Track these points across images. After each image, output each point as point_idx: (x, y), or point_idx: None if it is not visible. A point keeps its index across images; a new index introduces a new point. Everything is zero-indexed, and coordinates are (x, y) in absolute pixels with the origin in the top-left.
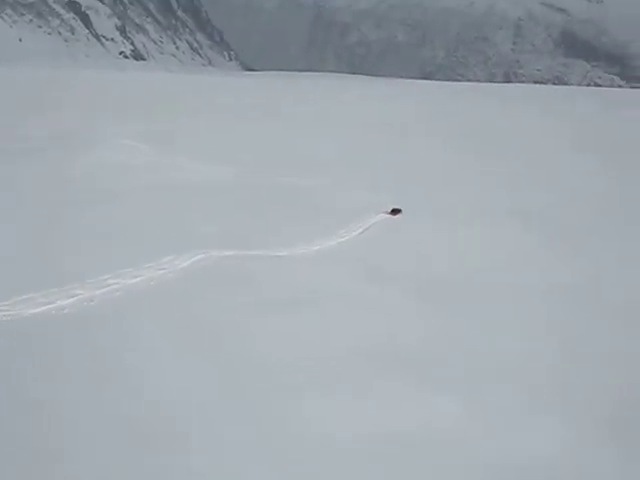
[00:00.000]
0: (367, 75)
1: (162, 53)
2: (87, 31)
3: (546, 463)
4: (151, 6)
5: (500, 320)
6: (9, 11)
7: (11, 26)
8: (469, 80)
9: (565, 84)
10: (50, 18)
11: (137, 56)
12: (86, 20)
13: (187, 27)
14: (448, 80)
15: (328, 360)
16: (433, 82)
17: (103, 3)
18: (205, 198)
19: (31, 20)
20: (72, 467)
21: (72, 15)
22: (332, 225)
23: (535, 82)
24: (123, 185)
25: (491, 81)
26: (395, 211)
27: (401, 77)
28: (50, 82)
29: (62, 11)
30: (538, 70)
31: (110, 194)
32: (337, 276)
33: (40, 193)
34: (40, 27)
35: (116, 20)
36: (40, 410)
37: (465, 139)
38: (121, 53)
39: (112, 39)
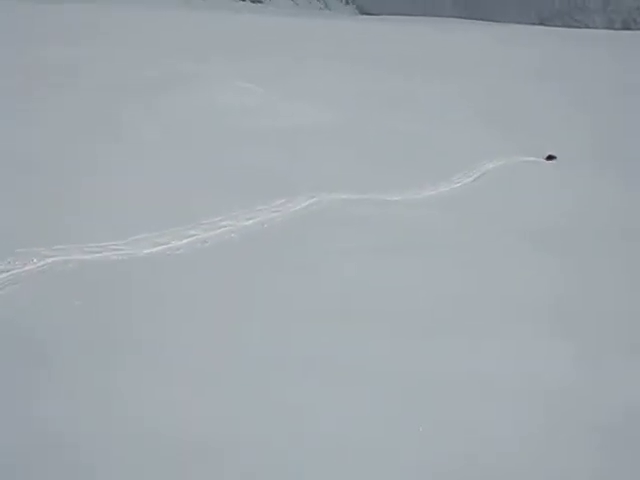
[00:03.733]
0: (484, 20)
1: None
2: None
3: None
4: None
5: (613, 269)
6: None
7: None
8: (587, 26)
9: None
10: None
11: None
12: None
13: None
14: (565, 26)
15: (432, 309)
16: (550, 28)
17: None
18: (318, 141)
19: None
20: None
21: None
22: (446, 170)
23: None
24: (235, 127)
25: (610, 28)
26: (550, 157)
27: (518, 22)
28: (163, 23)
29: None
30: None
31: (223, 137)
32: (448, 223)
33: (156, 135)
34: None
35: None
36: (145, 348)
37: (582, 85)
38: None
39: None
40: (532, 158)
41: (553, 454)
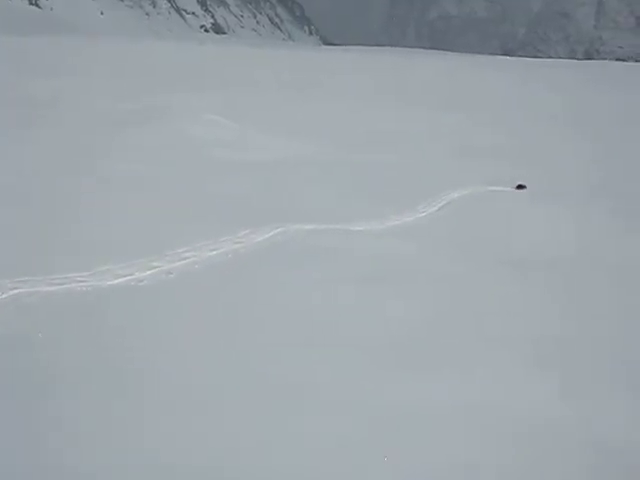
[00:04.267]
0: (447, 51)
1: (242, 27)
2: (168, 5)
3: None
4: None
5: (589, 300)
6: None
7: None
8: (550, 57)
9: None
10: None
11: (218, 30)
12: None
13: (268, 1)
14: (529, 57)
15: (411, 338)
16: (513, 58)
17: None
18: (286, 173)
19: None
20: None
21: None
22: (410, 201)
23: (617, 59)
24: (203, 160)
25: (572, 58)
26: (520, 187)
27: (481, 53)
28: (130, 54)
29: None
30: (620, 47)
31: (187, 169)
32: (413, 252)
33: (125, 168)
34: (122, 0)
35: None
36: (120, 379)
37: (551, 118)
38: (202, 27)
39: (193, 13)
40: (498, 188)
41: None
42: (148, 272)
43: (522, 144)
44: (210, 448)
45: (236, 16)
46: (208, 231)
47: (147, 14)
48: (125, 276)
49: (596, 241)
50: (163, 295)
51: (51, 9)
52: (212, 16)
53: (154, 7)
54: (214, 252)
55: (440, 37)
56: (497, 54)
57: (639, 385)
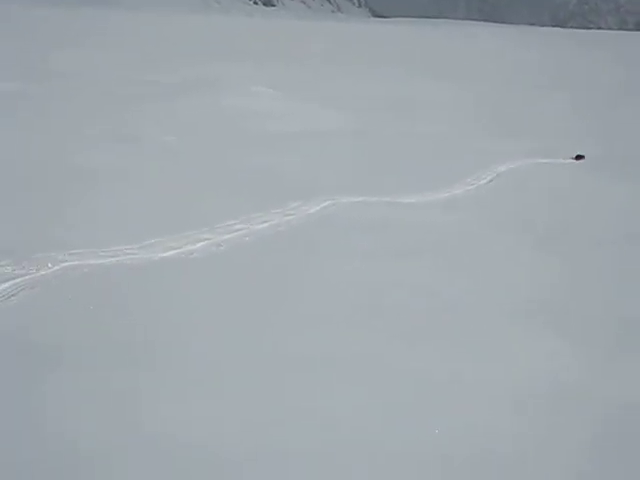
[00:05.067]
0: (498, 22)
1: None
2: None
3: None
4: None
5: (630, 270)
6: None
7: None
8: (600, 28)
9: None
10: None
11: (267, 2)
12: None
13: None
14: (579, 27)
15: (451, 308)
16: (564, 30)
17: None
18: (333, 145)
19: None
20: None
21: None
22: (460, 173)
23: None
24: (249, 131)
25: (623, 29)
26: (579, 157)
27: (532, 24)
28: (180, 27)
29: None
30: None
31: (238, 141)
32: (464, 224)
33: (172, 140)
34: None
35: None
36: (161, 352)
37: (589, 90)
38: None
39: None
40: (546, 160)
41: (552, 452)
42: (198, 244)
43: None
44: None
45: None
46: (258, 203)
47: None
48: (175, 249)
49: None
50: (213, 267)
51: None
52: None
53: None
54: (265, 224)
55: (490, 9)
56: (548, 25)
57: None
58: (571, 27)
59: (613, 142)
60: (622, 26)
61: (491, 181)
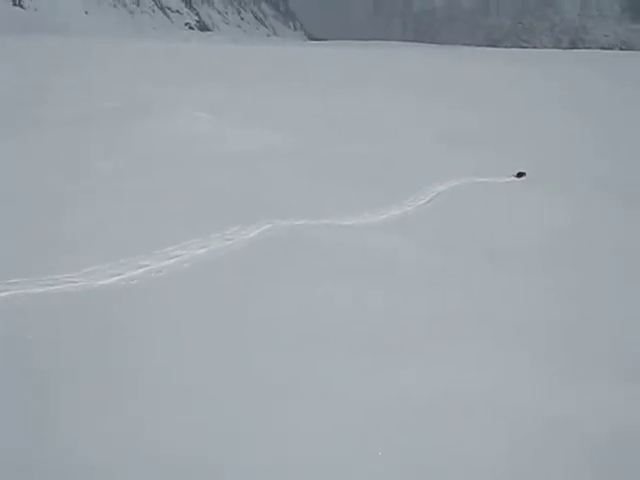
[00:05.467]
0: (434, 43)
1: (227, 24)
2: (152, 3)
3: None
4: None
5: (573, 288)
6: None
7: None
8: (535, 47)
9: (632, 49)
10: None
11: (202, 27)
12: None
13: None
14: (514, 47)
15: (401, 327)
16: (498, 49)
17: None
18: (271, 167)
19: None
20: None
21: None
22: (398, 194)
23: (602, 48)
24: (187, 155)
25: (557, 47)
26: (520, 174)
27: (467, 44)
28: (117, 53)
29: None
30: (605, 36)
31: (171, 165)
32: (405, 245)
33: (110, 167)
34: None
35: None
36: (115, 377)
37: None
38: (186, 24)
39: (177, 11)
40: (486, 179)
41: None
42: (138, 271)
43: (510, 132)
44: (200, 440)
45: (220, 13)
46: (197, 228)
47: (131, 12)
48: (115, 275)
49: (588, 228)
50: (155, 294)
51: (35, 10)
52: (196, 13)
53: (138, 5)
54: (203, 250)
55: (425, 29)
56: (483, 45)
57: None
58: (505, 47)
59: (552, 159)
60: (556, 45)
61: (430, 201)
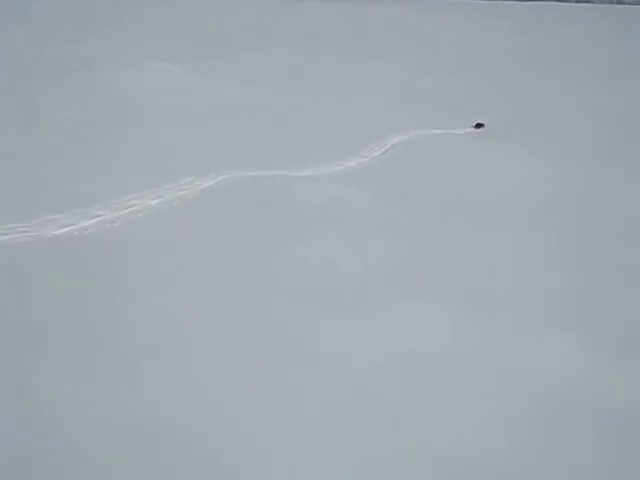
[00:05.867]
0: None
1: None
2: None
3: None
4: None
5: (514, 242)
6: None
7: None
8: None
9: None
10: None
11: None
12: None
13: None
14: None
15: (347, 279)
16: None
17: None
18: (229, 120)
19: None
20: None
21: None
22: (355, 146)
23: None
24: (147, 107)
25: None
26: (479, 125)
27: None
28: (78, 5)
29: None
30: None
31: (134, 116)
32: (360, 196)
33: (65, 114)
34: None
35: None
36: (55, 332)
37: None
38: None
39: None
40: (442, 130)
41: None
42: (92, 221)
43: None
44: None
45: None
46: (152, 179)
47: None
48: (69, 225)
49: (545, 179)
50: (108, 244)
51: None
52: None
53: None
54: (158, 200)
55: None
56: None
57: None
58: None
59: (515, 111)
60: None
61: (385, 153)
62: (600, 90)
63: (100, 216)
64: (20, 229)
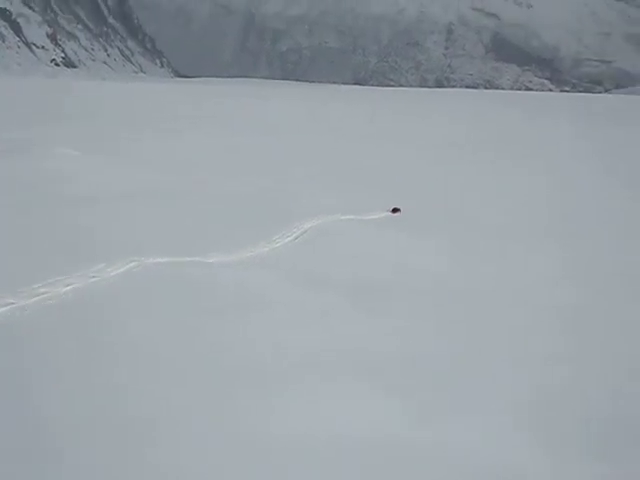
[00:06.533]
0: (299, 81)
1: (94, 60)
2: (17, 38)
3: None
4: (82, 13)
5: (433, 322)
6: None
7: None
8: (401, 85)
9: (496, 88)
10: None
11: (68, 64)
12: (16, 28)
13: (118, 34)
14: (381, 85)
15: (267, 365)
16: (364, 87)
17: (33, 11)
18: (136, 205)
19: None
20: None
21: (2, 23)
22: (265, 231)
23: (467, 87)
24: (52, 194)
25: (423, 86)
26: (395, 210)
27: (334, 83)
28: None
29: None
30: (470, 74)
31: (36, 203)
32: (273, 281)
33: None
34: None
35: (47, 28)
36: None
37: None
38: (52, 61)
39: (43, 47)
40: (353, 215)
41: None
42: (2, 309)
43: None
44: None
45: (87, 49)
46: (61, 266)
47: None
48: None
49: (455, 267)
50: (19, 332)
51: None
52: (62, 50)
53: (3, 41)
54: (69, 287)
55: (292, 68)
56: (349, 83)
57: None
58: (372, 85)
59: (424, 197)
60: (422, 84)
61: (297, 238)
62: (515, 174)
63: (10, 304)
64: None
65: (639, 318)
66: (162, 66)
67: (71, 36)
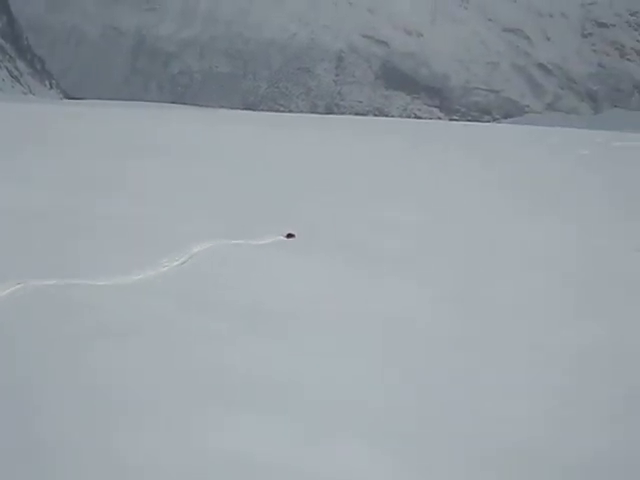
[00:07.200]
0: (189, 105)
1: None
2: None
3: None
4: None
5: (329, 351)
6: None
7: None
8: (291, 111)
9: (386, 116)
10: None
11: None
12: None
13: (7, 54)
14: (270, 111)
15: (152, 390)
16: (254, 112)
17: None
18: (18, 225)
19: None
20: None
21: None
22: (152, 255)
23: (356, 114)
24: None
25: (313, 112)
26: (290, 235)
27: (223, 107)
28: None
29: None
30: (359, 102)
31: None
32: (160, 306)
33: None
34: None
35: None
36: None
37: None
38: None
39: None
40: (243, 240)
41: None
42: None
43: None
44: None
45: None
46: None
47: None
48: None
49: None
50: None
51: None
52: None
53: None
54: None
55: (182, 91)
56: (239, 108)
57: None
58: (262, 110)
59: (324, 223)
60: (313, 110)
61: (185, 262)
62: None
63: None
64: None
65: None
66: (51, 87)
67: None
